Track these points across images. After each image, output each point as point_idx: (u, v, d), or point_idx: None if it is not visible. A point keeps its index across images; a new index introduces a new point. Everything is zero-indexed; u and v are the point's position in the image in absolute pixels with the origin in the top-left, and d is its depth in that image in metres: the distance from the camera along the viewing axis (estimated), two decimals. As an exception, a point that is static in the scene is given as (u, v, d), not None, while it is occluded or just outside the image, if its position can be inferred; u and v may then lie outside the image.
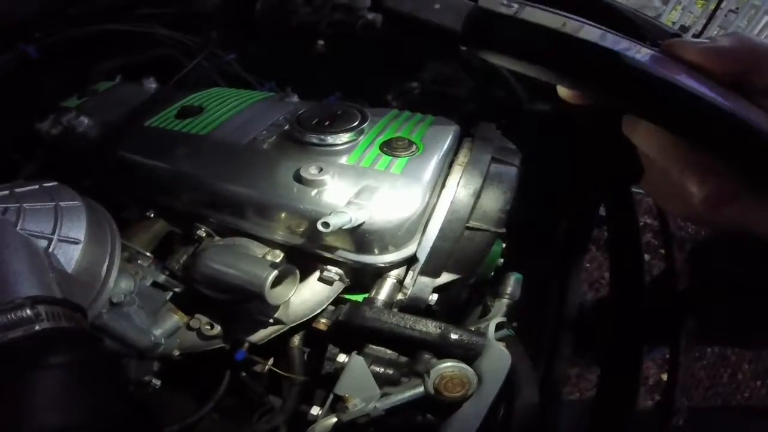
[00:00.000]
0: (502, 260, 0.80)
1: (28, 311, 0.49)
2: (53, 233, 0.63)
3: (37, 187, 0.71)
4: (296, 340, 0.74)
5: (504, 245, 0.80)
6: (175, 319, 0.70)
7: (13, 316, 0.48)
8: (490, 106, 0.97)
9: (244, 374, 0.78)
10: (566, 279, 1.11)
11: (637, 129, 0.41)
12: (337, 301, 0.73)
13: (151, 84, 0.98)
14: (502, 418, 0.68)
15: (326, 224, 0.58)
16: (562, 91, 0.42)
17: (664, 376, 1.23)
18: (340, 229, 0.60)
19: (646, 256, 0.98)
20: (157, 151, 0.80)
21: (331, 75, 0.86)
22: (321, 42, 0.98)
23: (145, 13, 0.99)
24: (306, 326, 0.72)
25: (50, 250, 0.61)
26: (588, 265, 1.72)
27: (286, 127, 0.77)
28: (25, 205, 0.66)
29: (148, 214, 0.81)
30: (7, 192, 0.68)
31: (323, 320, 0.72)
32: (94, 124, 0.88)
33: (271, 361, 0.76)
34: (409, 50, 0.99)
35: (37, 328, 0.49)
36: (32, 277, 0.54)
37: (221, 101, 0.90)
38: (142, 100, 0.93)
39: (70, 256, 0.62)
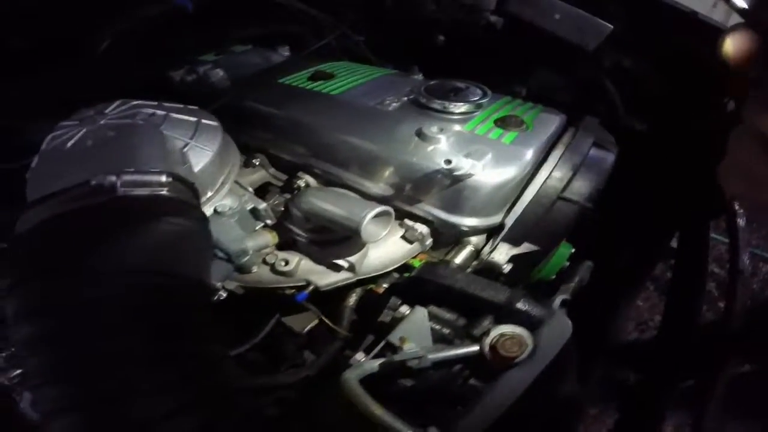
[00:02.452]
0: (567, 264, 0.80)
1: (163, 178, 0.56)
2: (191, 139, 0.71)
3: (182, 106, 0.81)
4: (351, 299, 0.74)
5: (573, 250, 0.80)
6: (268, 237, 0.74)
7: (147, 178, 0.55)
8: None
9: (285, 322, 0.76)
10: (614, 313, 1.07)
11: None
12: (404, 269, 0.75)
13: (285, 52, 1.08)
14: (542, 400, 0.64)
15: (449, 161, 0.65)
16: (731, 46, 0.32)
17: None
18: (453, 173, 0.67)
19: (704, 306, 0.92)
20: (285, 104, 0.88)
21: (444, 69, 0.92)
22: (441, 37, 1.06)
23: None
24: (368, 284, 0.74)
25: (185, 150, 0.69)
26: (641, 303, 1.64)
27: (412, 96, 0.84)
28: (171, 114, 0.74)
29: (254, 161, 0.88)
30: (156, 102, 0.79)
31: (385, 285, 0.74)
32: (227, 78, 0.98)
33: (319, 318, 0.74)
34: (522, 55, 1.04)
35: (164, 192, 0.56)
36: (167, 162, 0.61)
37: (352, 71, 0.98)
38: (274, 63, 1.03)
39: (199, 160, 0.70)
